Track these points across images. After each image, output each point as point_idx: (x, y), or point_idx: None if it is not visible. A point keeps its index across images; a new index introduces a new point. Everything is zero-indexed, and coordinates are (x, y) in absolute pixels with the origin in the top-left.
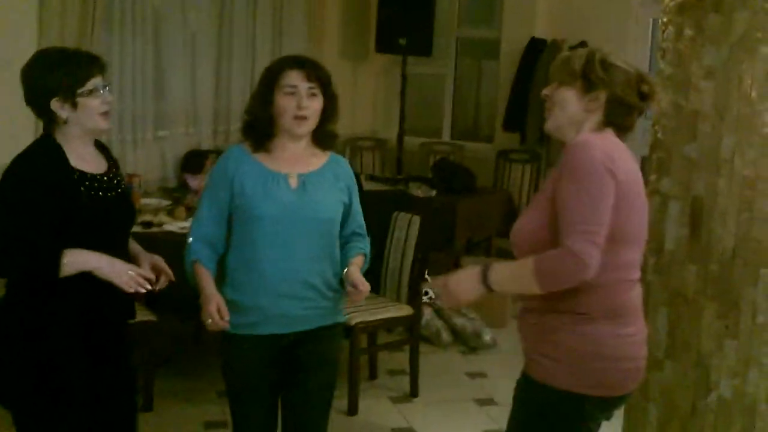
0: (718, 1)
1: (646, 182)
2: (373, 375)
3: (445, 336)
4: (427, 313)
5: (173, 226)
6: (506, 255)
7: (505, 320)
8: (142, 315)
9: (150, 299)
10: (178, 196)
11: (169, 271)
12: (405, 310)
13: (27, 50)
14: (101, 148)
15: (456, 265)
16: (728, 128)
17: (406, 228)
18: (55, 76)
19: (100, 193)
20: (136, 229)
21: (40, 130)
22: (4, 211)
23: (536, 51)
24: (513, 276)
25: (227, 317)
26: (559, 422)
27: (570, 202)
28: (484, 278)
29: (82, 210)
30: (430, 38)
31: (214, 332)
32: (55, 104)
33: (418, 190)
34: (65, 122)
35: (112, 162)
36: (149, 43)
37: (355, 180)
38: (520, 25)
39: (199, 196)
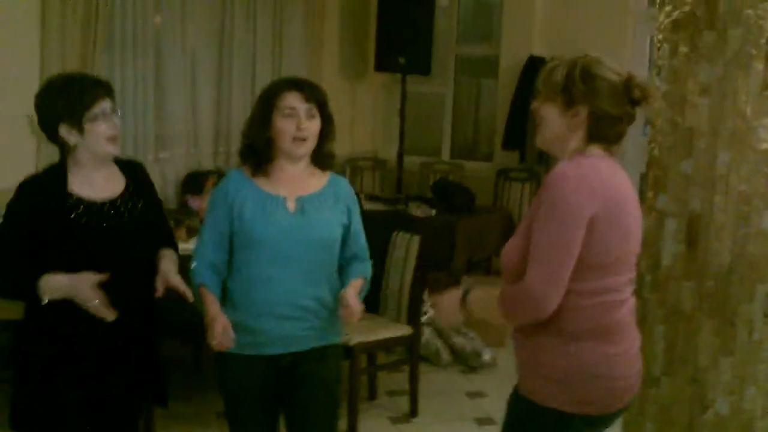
0: (712, 19)
1: (643, 199)
2: (372, 395)
3: (445, 356)
4: (427, 332)
5: None
6: None
7: (505, 340)
8: None
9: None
10: (180, 217)
11: (184, 290)
12: (404, 330)
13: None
14: (127, 168)
15: (456, 285)
16: (723, 144)
17: (406, 248)
18: (61, 102)
19: (93, 222)
20: None
21: (42, 157)
22: None
23: (535, 69)
24: (485, 304)
25: (232, 338)
26: None
27: (538, 240)
28: (464, 302)
29: (71, 236)
30: (429, 57)
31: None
32: (62, 130)
33: (417, 210)
34: (74, 147)
35: (134, 185)
36: (150, 65)
37: (356, 201)
38: (518, 43)
39: (200, 216)
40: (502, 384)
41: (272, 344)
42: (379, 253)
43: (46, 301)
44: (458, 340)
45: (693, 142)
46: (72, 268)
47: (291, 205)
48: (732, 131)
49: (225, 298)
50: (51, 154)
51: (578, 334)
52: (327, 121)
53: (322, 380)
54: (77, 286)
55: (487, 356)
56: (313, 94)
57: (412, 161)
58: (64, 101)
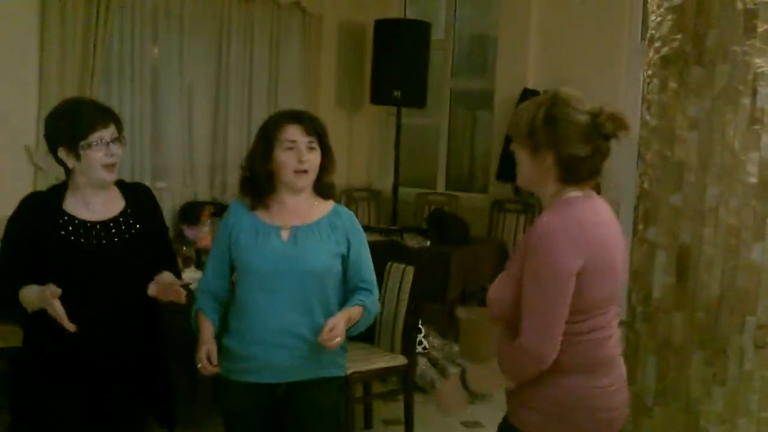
0: (700, 55)
1: (635, 231)
2: (368, 425)
3: (440, 386)
4: (422, 362)
5: None
6: None
7: None
8: None
9: None
10: (176, 246)
11: (178, 289)
12: (399, 360)
13: (27, 105)
14: (131, 192)
15: (450, 316)
16: (712, 178)
17: (400, 278)
18: (61, 126)
19: (83, 240)
20: None
21: (39, 181)
22: None
23: None
24: (484, 377)
25: (215, 363)
26: None
27: (529, 298)
28: (464, 383)
29: (62, 253)
30: (425, 90)
31: (208, 377)
32: (61, 153)
33: (412, 241)
34: (73, 170)
35: (133, 208)
36: (147, 95)
37: (358, 232)
38: (512, 76)
39: (196, 246)
40: (497, 414)
41: (263, 372)
42: None
43: (30, 312)
44: (453, 371)
45: (682, 176)
46: (62, 284)
47: (284, 234)
48: (720, 165)
49: (224, 324)
50: (48, 185)
51: (568, 370)
52: (327, 152)
53: (320, 412)
54: (45, 298)
55: None
56: (314, 127)
57: (407, 192)
58: (64, 126)
